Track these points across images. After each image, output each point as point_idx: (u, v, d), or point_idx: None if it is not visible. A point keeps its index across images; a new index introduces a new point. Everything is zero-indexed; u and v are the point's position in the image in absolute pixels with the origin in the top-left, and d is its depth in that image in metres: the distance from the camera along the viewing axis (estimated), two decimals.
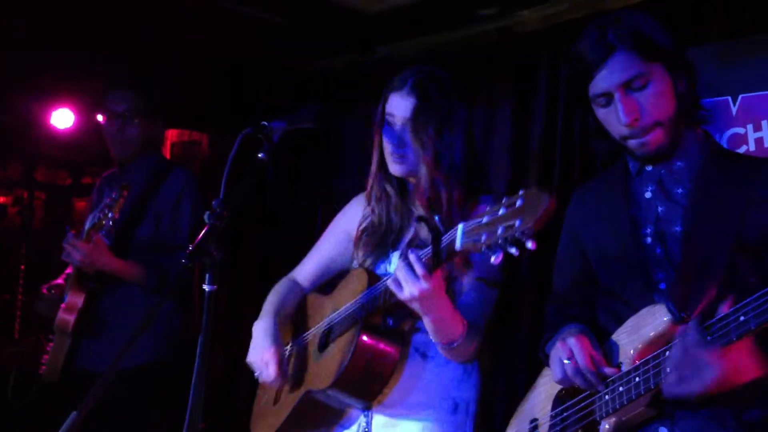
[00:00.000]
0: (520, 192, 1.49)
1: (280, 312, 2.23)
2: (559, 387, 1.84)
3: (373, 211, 2.16)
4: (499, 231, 1.47)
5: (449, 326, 1.90)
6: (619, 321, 1.74)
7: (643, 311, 1.66)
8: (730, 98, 2.73)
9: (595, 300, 1.91)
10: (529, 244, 1.44)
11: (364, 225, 2.17)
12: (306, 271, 2.33)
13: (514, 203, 1.48)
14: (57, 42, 3.75)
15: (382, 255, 2.12)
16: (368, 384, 1.94)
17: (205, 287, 1.61)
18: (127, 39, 3.72)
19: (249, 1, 3.46)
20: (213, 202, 1.66)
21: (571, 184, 3.16)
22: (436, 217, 1.73)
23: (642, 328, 1.65)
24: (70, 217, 5.76)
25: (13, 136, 4.73)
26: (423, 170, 2.03)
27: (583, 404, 1.74)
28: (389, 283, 1.83)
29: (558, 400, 1.82)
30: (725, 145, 2.73)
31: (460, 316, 1.93)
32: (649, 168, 1.81)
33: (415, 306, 1.83)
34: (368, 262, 2.11)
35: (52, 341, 3.08)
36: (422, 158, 2.03)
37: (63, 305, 3.00)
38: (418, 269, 1.76)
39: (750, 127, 2.70)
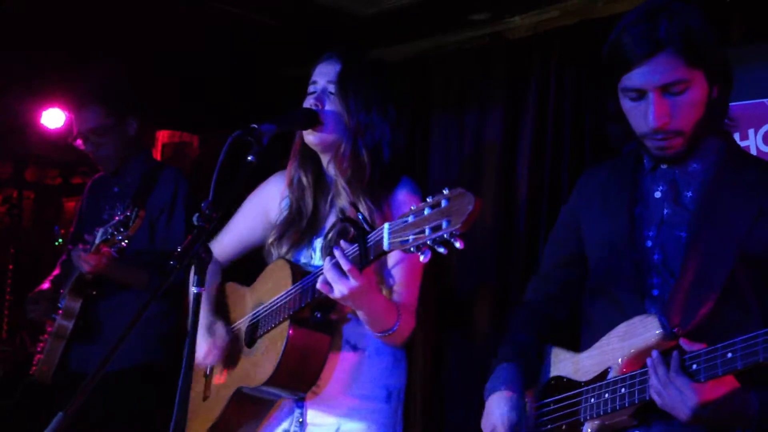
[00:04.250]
0: (445, 192, 1.50)
1: (212, 302, 2.22)
2: (548, 375, 1.86)
3: (290, 200, 2.15)
4: (427, 232, 1.48)
5: (383, 317, 1.91)
6: (607, 318, 1.73)
7: (636, 320, 1.65)
8: None
9: (577, 283, 1.90)
10: (458, 245, 1.46)
11: (282, 216, 2.15)
12: (222, 246, 2.29)
13: (440, 203, 1.49)
14: (48, 41, 3.74)
15: (304, 243, 2.10)
16: (301, 378, 1.96)
17: (193, 289, 1.62)
18: (118, 39, 3.71)
19: (242, 3, 3.46)
20: (202, 205, 1.66)
21: (561, 187, 3.18)
22: (360, 215, 1.72)
23: (633, 337, 1.65)
24: (59, 217, 5.73)
25: (3, 135, 4.70)
26: (346, 134, 2.01)
27: (568, 402, 1.76)
28: (319, 284, 1.81)
29: (546, 390, 1.84)
30: None
31: (393, 305, 1.94)
32: (664, 166, 1.76)
33: (348, 303, 1.84)
34: (289, 255, 2.09)
35: (42, 341, 3.08)
36: (346, 122, 2.00)
37: (60, 311, 3.00)
38: (345, 266, 1.75)
39: (737, 135, 2.72)
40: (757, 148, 2.71)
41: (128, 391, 2.91)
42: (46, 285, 3.19)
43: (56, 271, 3.22)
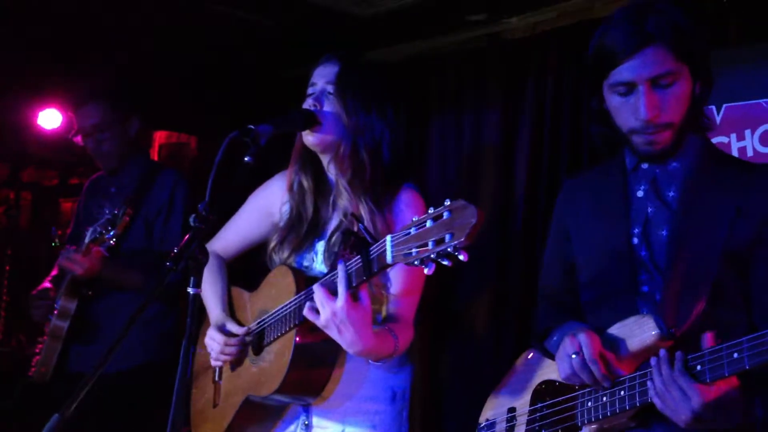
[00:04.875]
0: (446, 203, 1.49)
1: (224, 302, 2.22)
2: (539, 379, 1.84)
3: (290, 204, 2.14)
4: (430, 245, 1.47)
5: (377, 350, 1.85)
6: (601, 320, 1.73)
7: (630, 320, 1.65)
8: (714, 107, 2.75)
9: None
10: (462, 257, 1.45)
11: (283, 221, 2.14)
12: (226, 242, 2.31)
13: (441, 216, 1.48)
14: (44, 42, 3.74)
15: (305, 246, 2.09)
16: (309, 386, 1.95)
17: (190, 290, 1.61)
18: (115, 40, 3.71)
19: (241, 4, 3.46)
20: (199, 206, 1.66)
21: (558, 188, 3.17)
22: (361, 227, 1.70)
23: (628, 338, 1.64)
24: (56, 217, 5.73)
25: (0, 136, 4.70)
26: (345, 135, 1.99)
27: (564, 406, 1.75)
28: (306, 311, 1.78)
29: (537, 395, 1.82)
30: None
31: (385, 334, 1.88)
32: (644, 166, 1.78)
33: (333, 332, 1.76)
34: (291, 259, 2.08)
35: (40, 343, 3.07)
36: (345, 122, 1.99)
37: (56, 311, 2.99)
38: (341, 286, 1.70)
39: (733, 136, 2.73)
40: (754, 148, 2.71)
41: (129, 392, 2.90)
42: (46, 284, 3.19)
43: (54, 271, 3.22)
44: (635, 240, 1.75)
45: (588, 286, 1.84)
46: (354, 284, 1.72)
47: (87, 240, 2.85)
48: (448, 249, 1.44)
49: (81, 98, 3.12)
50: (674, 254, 1.68)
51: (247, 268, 2.38)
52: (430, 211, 1.51)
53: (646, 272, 1.72)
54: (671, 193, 1.74)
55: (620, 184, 1.81)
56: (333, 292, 1.74)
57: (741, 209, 1.66)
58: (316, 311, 1.77)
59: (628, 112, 1.69)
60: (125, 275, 2.96)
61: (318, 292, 1.76)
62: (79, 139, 3.12)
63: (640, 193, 1.78)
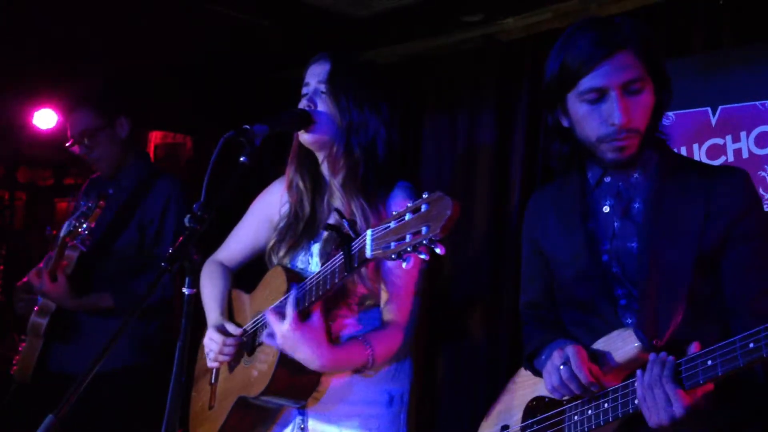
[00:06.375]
0: (425, 196, 1.49)
1: (222, 305, 2.24)
2: (530, 396, 1.85)
3: (289, 203, 2.15)
4: (408, 238, 1.47)
5: (345, 363, 1.86)
6: (592, 332, 1.74)
7: (614, 334, 1.67)
8: (709, 109, 2.76)
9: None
10: (438, 250, 1.44)
11: (282, 221, 2.15)
12: (230, 252, 2.33)
13: (419, 208, 1.48)
14: (40, 42, 3.73)
15: (301, 247, 2.09)
16: (298, 387, 1.94)
17: (185, 291, 1.61)
18: (111, 40, 3.70)
19: (236, 5, 3.45)
20: (194, 206, 1.66)
21: None
22: (345, 222, 1.70)
23: (613, 352, 1.66)
24: (51, 217, 5.72)
25: None
26: (338, 133, 2.00)
27: (553, 420, 1.76)
28: (263, 338, 1.84)
29: (528, 412, 1.84)
30: (705, 156, 2.76)
31: (354, 343, 1.88)
32: (608, 179, 1.79)
33: (288, 351, 1.81)
34: (286, 259, 2.09)
35: (23, 341, 3.06)
36: (338, 121, 2.00)
37: (36, 308, 2.98)
38: (289, 311, 1.76)
39: (729, 138, 2.73)
40: (749, 150, 2.71)
41: (115, 393, 2.88)
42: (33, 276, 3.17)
43: (42, 264, 3.21)
44: (605, 257, 1.75)
45: (566, 305, 1.85)
46: (306, 304, 1.76)
47: (62, 233, 2.85)
48: (424, 242, 1.44)
49: (68, 106, 3.11)
50: (647, 266, 1.69)
51: (247, 270, 2.39)
52: (409, 205, 1.51)
53: (621, 287, 1.73)
54: (636, 205, 1.75)
55: (579, 201, 1.81)
56: (283, 315, 1.78)
57: (708, 214, 1.68)
58: (272, 336, 1.82)
59: (599, 119, 1.70)
60: (89, 306, 2.95)
61: (268, 317, 1.81)
62: (75, 149, 3.11)
63: (606, 209, 1.79)
